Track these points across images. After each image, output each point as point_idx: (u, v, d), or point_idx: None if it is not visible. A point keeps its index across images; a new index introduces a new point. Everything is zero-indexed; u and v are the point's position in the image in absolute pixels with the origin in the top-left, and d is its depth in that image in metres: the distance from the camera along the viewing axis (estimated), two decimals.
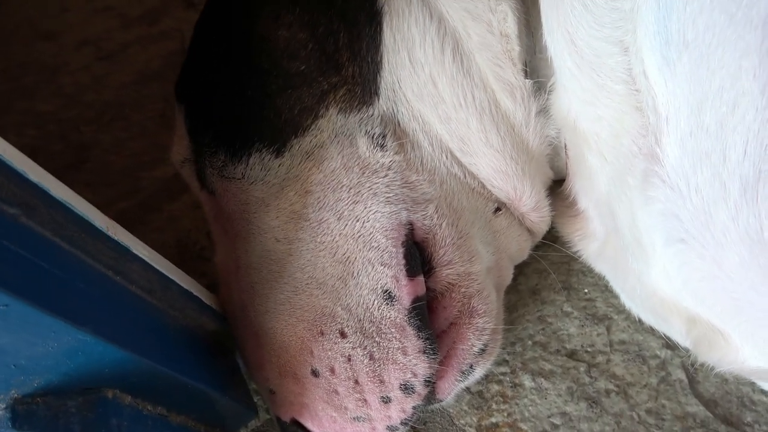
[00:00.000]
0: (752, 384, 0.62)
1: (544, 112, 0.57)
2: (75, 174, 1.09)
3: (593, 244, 0.61)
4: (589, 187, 0.57)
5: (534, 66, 0.56)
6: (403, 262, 0.54)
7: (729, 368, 0.52)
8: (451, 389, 0.59)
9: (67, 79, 1.25)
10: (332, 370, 0.55)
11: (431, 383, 0.56)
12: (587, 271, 0.72)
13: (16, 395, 0.44)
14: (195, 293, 0.60)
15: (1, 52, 1.36)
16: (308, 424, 0.59)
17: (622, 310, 0.68)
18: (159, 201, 0.97)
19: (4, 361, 0.42)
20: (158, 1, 1.31)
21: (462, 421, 0.66)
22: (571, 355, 0.67)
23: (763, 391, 0.61)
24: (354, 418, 0.57)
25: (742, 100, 0.38)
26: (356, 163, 0.56)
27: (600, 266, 0.63)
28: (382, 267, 0.54)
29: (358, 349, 0.54)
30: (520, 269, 0.71)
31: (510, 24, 0.54)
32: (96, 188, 1.05)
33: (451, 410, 0.67)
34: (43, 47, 1.34)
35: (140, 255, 0.54)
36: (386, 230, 0.55)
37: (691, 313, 0.52)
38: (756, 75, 0.37)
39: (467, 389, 0.67)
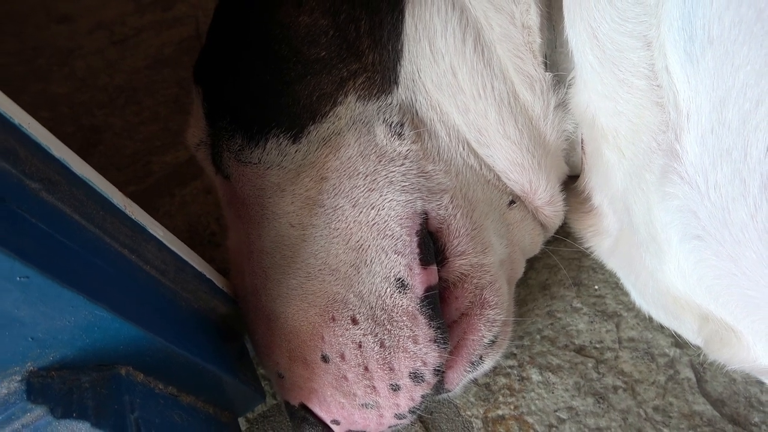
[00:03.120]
0: (760, 384, 0.62)
1: (562, 105, 0.57)
2: (86, 157, 1.08)
3: (606, 240, 0.61)
4: (605, 183, 0.57)
5: (554, 59, 0.55)
6: (416, 251, 0.54)
7: (740, 366, 0.52)
8: (460, 379, 0.59)
9: (80, 62, 1.25)
10: (342, 356, 0.56)
11: (441, 373, 0.56)
12: (598, 268, 0.72)
13: (31, 368, 0.45)
14: (208, 276, 0.61)
15: (15, 35, 1.37)
16: (316, 410, 0.59)
17: (631, 308, 0.68)
18: (170, 186, 0.98)
19: (22, 333, 0.42)
20: None
21: (468, 413, 0.66)
22: (580, 350, 0.67)
23: None
24: (362, 405, 0.57)
25: (766, 97, 0.38)
26: (373, 151, 0.56)
27: (612, 263, 0.63)
28: (395, 255, 0.54)
29: (369, 336, 0.55)
30: (531, 264, 0.72)
31: (532, 16, 0.54)
32: (107, 171, 1.05)
33: (457, 401, 0.67)
34: (57, 30, 1.34)
35: (156, 235, 0.54)
36: (401, 219, 0.55)
37: (704, 310, 0.52)
38: None
39: (474, 381, 0.67)
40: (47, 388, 0.45)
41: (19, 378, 0.44)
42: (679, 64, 0.44)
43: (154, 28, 1.25)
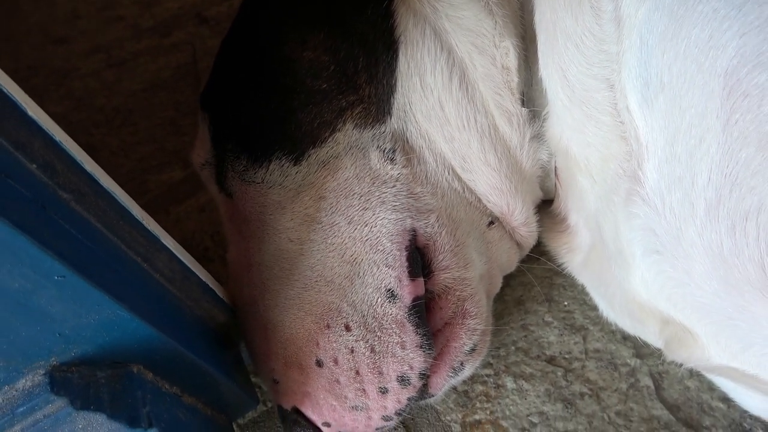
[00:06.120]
0: (711, 391, 0.69)
1: (537, 137, 0.64)
2: None
3: (578, 256, 0.67)
4: (580, 205, 0.63)
5: (530, 96, 0.62)
6: (405, 264, 0.60)
7: (695, 365, 0.58)
8: (442, 384, 0.64)
9: (77, 83, 1.29)
10: (335, 361, 0.60)
11: (425, 377, 0.61)
12: (568, 286, 0.79)
13: (55, 362, 0.49)
14: (211, 286, 0.65)
15: (11, 54, 1.40)
16: (308, 412, 0.63)
17: (597, 322, 0.75)
18: (165, 203, 1.02)
19: (51, 328, 0.46)
20: (170, 14, 1.37)
21: (448, 417, 0.71)
22: (550, 360, 0.73)
23: (720, 398, 0.68)
24: (352, 407, 0.61)
25: (707, 135, 0.45)
26: (367, 173, 0.62)
27: (583, 276, 0.70)
28: (386, 268, 0.60)
29: (361, 342, 0.60)
30: (507, 281, 0.78)
31: (511, 58, 0.60)
32: None
33: (438, 407, 0.72)
34: (54, 51, 1.38)
35: (168, 245, 0.58)
36: (392, 235, 0.60)
37: (665, 315, 0.58)
38: (718, 115, 0.44)
39: (454, 388, 0.72)
40: (68, 381, 0.49)
41: (43, 372, 0.49)
42: (637, 104, 0.51)
43: (152, 53, 1.30)
